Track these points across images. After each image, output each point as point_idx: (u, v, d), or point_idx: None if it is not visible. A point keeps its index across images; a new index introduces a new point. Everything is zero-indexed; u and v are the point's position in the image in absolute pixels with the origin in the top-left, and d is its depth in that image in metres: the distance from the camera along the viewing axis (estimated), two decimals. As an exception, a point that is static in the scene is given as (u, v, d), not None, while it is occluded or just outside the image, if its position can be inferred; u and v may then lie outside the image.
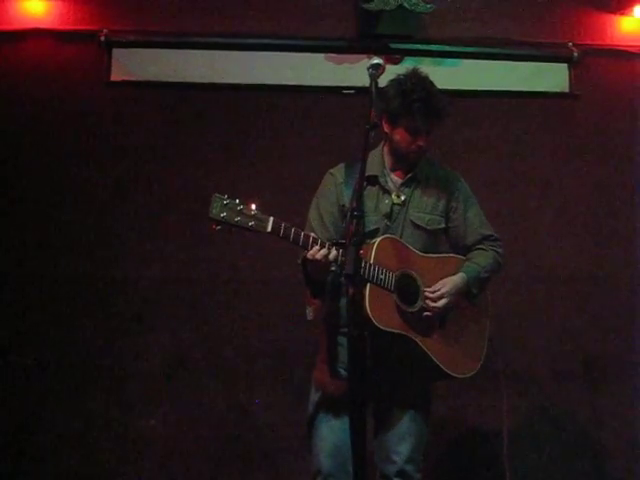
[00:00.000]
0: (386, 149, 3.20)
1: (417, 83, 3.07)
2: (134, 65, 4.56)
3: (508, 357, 4.47)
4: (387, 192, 3.15)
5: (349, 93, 4.55)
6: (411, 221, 3.14)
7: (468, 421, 4.48)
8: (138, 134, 4.51)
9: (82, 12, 4.50)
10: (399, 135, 3.10)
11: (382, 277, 2.93)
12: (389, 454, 3.09)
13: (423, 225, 3.14)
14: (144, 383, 4.33)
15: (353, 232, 2.57)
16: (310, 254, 2.83)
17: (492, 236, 3.27)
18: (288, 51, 4.62)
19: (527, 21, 4.68)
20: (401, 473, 3.07)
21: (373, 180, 3.15)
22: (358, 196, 2.59)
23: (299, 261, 3.03)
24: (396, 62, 4.49)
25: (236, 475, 4.31)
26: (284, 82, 4.59)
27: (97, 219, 4.43)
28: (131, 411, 4.31)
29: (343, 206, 3.11)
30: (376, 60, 2.80)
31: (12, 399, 4.23)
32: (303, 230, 2.91)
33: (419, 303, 3.02)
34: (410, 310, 2.99)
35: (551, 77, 4.76)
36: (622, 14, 4.74)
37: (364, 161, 2.70)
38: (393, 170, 3.20)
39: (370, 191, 3.13)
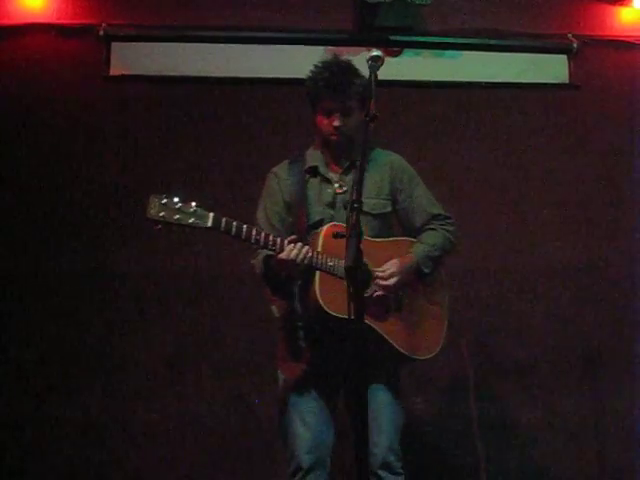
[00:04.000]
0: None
1: (321, 66, 3.08)
2: (133, 59, 4.56)
3: (508, 349, 4.50)
4: (328, 182, 3.16)
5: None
6: None
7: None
8: (137, 128, 4.51)
9: (81, 6, 4.49)
10: (318, 121, 3.12)
11: (331, 264, 2.93)
12: (369, 446, 3.06)
13: (368, 210, 3.07)
14: (145, 378, 4.33)
15: (353, 224, 2.55)
16: (283, 255, 2.86)
17: (441, 215, 3.25)
18: (287, 44, 4.61)
19: (526, 12, 4.68)
20: (385, 465, 3.03)
21: (314, 171, 3.17)
22: (358, 187, 2.56)
23: (253, 260, 3.10)
24: (396, 54, 4.48)
25: (237, 469, 4.31)
26: (283, 75, 4.56)
27: (96, 214, 4.42)
28: (132, 406, 4.30)
29: (287, 202, 3.13)
30: (375, 52, 2.77)
31: (13, 394, 4.23)
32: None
33: (371, 287, 3.01)
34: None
35: (551, 68, 4.76)
36: (621, 5, 4.75)
37: (364, 153, 2.66)
38: (331, 160, 3.20)
39: (312, 182, 3.16)
